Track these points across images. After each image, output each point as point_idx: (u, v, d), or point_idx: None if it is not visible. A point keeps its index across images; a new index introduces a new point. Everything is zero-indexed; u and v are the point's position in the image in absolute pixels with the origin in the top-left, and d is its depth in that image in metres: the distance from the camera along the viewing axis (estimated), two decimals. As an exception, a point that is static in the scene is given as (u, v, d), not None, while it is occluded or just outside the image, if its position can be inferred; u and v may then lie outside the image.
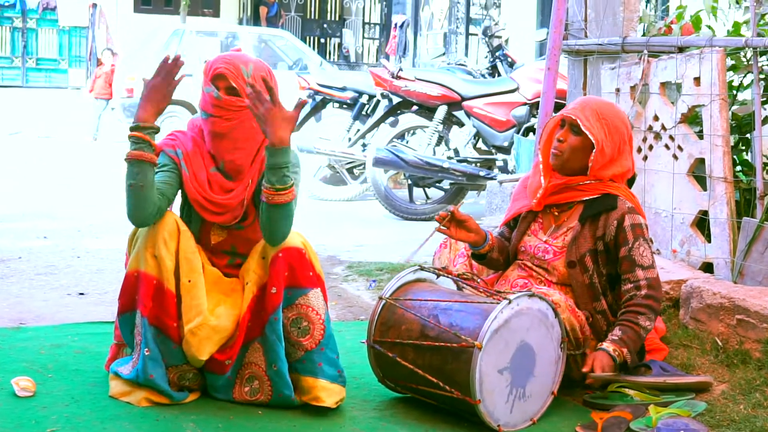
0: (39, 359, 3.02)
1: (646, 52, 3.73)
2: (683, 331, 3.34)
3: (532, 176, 3.13)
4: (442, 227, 3.00)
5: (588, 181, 2.96)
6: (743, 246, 3.42)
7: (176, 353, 2.69)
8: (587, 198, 2.97)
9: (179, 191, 2.77)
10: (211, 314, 2.69)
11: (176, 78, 2.62)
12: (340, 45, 19.73)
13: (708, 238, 3.62)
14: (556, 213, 3.05)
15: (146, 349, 2.65)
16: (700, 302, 3.28)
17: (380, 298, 2.86)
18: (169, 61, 2.62)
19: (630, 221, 2.91)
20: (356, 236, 5.77)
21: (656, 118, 3.76)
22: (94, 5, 19.92)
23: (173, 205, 2.76)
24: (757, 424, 2.65)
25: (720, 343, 3.17)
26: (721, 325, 3.20)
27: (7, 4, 19.96)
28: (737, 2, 3.95)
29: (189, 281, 2.68)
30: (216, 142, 2.73)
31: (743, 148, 3.83)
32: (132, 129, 2.62)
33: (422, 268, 2.96)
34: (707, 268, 3.64)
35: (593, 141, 2.91)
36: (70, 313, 3.74)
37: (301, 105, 2.62)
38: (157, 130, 2.64)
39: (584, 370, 2.80)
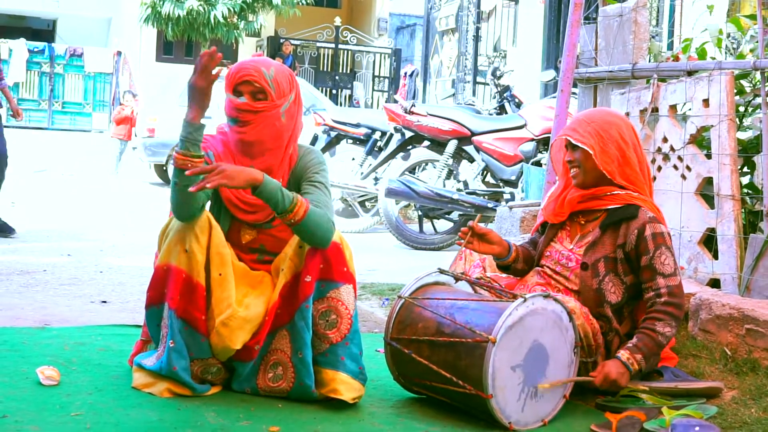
0: (63, 354, 3.08)
1: (655, 76, 3.86)
2: (692, 342, 3.41)
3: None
4: (465, 242, 3.05)
5: (614, 192, 3.00)
6: (750, 262, 3.50)
7: (203, 346, 2.73)
8: (611, 207, 3.01)
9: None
10: (239, 306, 2.73)
11: (213, 72, 2.63)
12: (350, 96, 20.14)
13: (715, 255, 3.71)
14: (582, 222, 3.09)
15: (171, 341, 2.68)
16: (709, 313, 3.35)
17: (399, 297, 2.92)
18: (205, 57, 2.62)
19: (651, 230, 2.94)
20: (368, 262, 5.85)
21: (665, 140, 3.87)
22: (119, 53, 20.84)
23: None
24: (769, 426, 2.70)
25: (729, 353, 3.23)
26: (730, 335, 3.26)
27: (36, 50, 20.76)
28: (741, 31, 4.08)
29: (220, 274, 2.72)
30: (246, 148, 2.79)
31: (748, 171, 3.93)
32: (183, 129, 2.65)
33: (442, 272, 3.03)
34: (714, 285, 3.71)
35: (587, 149, 2.96)
36: (93, 317, 3.80)
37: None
38: (203, 126, 2.67)
39: (596, 381, 2.84)
